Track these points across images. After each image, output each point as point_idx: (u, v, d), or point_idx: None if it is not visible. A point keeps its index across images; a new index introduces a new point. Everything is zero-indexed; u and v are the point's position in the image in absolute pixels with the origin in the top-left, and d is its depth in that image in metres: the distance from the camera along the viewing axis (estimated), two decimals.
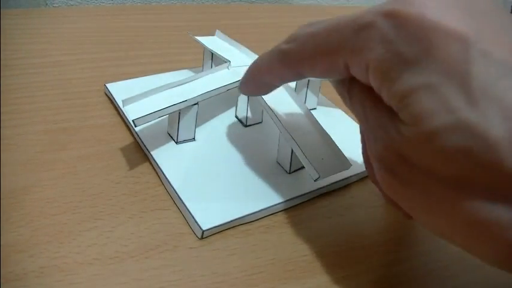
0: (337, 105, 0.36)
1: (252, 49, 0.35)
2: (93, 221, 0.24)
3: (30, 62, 0.38)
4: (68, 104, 0.33)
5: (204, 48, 0.36)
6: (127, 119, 0.30)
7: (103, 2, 0.58)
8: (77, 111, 0.32)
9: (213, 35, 0.38)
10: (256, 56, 0.34)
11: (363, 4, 0.73)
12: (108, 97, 0.34)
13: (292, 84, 0.34)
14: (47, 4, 0.55)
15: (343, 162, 0.26)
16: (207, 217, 0.24)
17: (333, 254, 0.24)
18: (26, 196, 0.25)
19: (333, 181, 0.28)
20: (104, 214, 0.24)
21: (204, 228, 0.23)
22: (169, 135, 0.30)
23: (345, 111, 0.35)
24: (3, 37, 0.40)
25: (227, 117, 0.33)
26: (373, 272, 0.24)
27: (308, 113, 0.28)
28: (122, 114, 0.32)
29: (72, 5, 0.56)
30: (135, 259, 0.22)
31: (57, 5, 0.55)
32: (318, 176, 0.24)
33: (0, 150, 0.28)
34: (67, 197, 0.25)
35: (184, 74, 0.37)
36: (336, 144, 0.26)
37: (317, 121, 0.28)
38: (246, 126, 0.32)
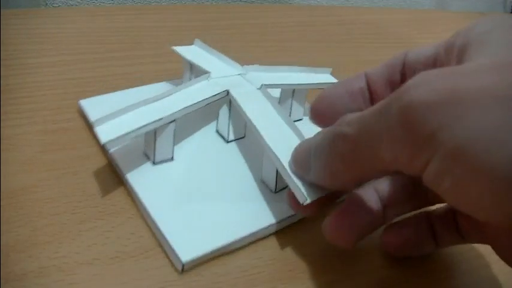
0: None
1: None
2: (93, 221, 0.24)
3: (29, 62, 0.38)
4: (68, 104, 0.33)
5: (182, 59, 0.34)
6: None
7: (103, 2, 0.58)
8: (77, 111, 0.32)
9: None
10: (236, 65, 0.32)
11: (362, 4, 0.73)
12: (80, 113, 0.31)
13: (277, 94, 0.32)
14: (47, 4, 0.55)
15: None
16: (187, 250, 0.22)
17: (333, 254, 0.24)
18: (26, 196, 0.25)
19: (318, 197, 0.24)
20: (104, 214, 0.24)
21: (184, 261, 0.21)
22: (146, 155, 0.28)
23: None
24: (3, 37, 0.40)
25: (207, 133, 0.31)
26: (373, 272, 0.24)
27: (294, 128, 0.26)
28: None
29: (72, 5, 0.56)
30: (135, 259, 0.22)
31: (57, 5, 0.55)
32: (305, 200, 0.22)
33: (0, 150, 0.28)
34: (67, 197, 0.25)
35: (162, 86, 0.35)
36: None
37: (303, 136, 0.26)
38: (228, 142, 0.30)
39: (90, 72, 0.37)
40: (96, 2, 0.57)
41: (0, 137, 0.29)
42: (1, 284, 0.20)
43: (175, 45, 0.34)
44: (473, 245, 0.26)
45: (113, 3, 0.58)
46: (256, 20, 0.54)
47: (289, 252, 0.24)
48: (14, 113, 0.31)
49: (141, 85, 0.36)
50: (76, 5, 0.56)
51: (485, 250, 0.26)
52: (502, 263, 0.25)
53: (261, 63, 0.41)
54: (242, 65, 0.32)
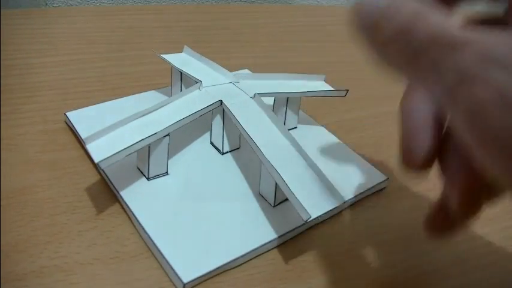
0: (318, 122, 0.34)
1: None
2: (93, 221, 0.24)
3: (30, 62, 0.38)
4: (68, 104, 0.33)
5: (171, 68, 0.33)
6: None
7: (103, 2, 0.58)
8: None
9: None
10: (227, 72, 0.31)
11: None
12: (68, 125, 0.31)
13: (270, 101, 0.32)
14: (46, 4, 0.55)
15: (334, 195, 0.24)
16: (187, 270, 0.21)
17: (333, 254, 0.24)
18: (26, 196, 0.25)
19: (322, 212, 0.24)
20: (104, 214, 0.24)
21: (185, 281, 0.21)
22: (139, 170, 0.27)
23: (326, 128, 0.33)
24: (3, 37, 0.40)
25: (201, 144, 0.30)
26: (373, 272, 0.24)
27: (290, 138, 0.26)
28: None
29: (72, 5, 0.56)
30: (135, 259, 0.22)
31: (57, 5, 0.55)
32: (309, 217, 0.22)
33: (0, 150, 0.28)
34: (67, 197, 0.25)
35: (151, 96, 0.34)
36: (323, 174, 0.24)
37: (300, 147, 0.25)
38: (223, 153, 0.29)
39: (90, 72, 0.37)
40: (96, 2, 0.57)
41: (0, 137, 0.29)
42: (1, 284, 0.20)
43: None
44: (473, 245, 0.26)
45: (112, 3, 0.58)
46: (256, 20, 0.54)
47: (289, 252, 0.24)
48: (14, 113, 0.31)
49: (141, 85, 0.36)
50: (76, 5, 0.56)
51: (485, 250, 0.26)
52: (502, 263, 0.25)
53: (261, 64, 0.41)
54: (238, 68, 0.32)
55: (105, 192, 0.26)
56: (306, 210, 0.22)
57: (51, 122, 0.31)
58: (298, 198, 0.22)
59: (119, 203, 0.25)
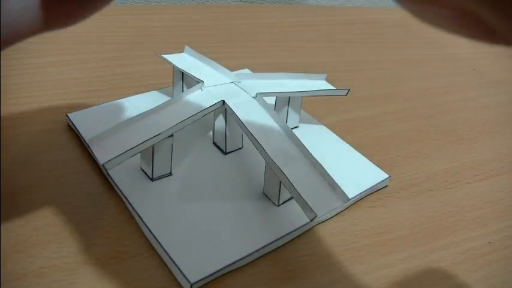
0: (319, 121, 0.34)
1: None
2: (93, 221, 0.24)
3: (30, 62, 0.38)
4: (68, 104, 0.33)
5: (173, 68, 0.33)
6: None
7: None
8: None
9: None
10: (228, 72, 0.31)
11: (362, 4, 0.73)
12: (70, 126, 0.31)
13: (271, 101, 0.31)
14: None
15: (339, 194, 0.24)
16: (194, 270, 0.22)
17: (333, 254, 0.24)
18: (26, 196, 0.25)
19: (328, 211, 0.25)
20: (104, 214, 0.24)
21: (192, 281, 0.21)
22: (143, 171, 0.27)
23: (327, 127, 0.33)
24: None
25: (204, 144, 0.30)
26: (373, 272, 0.24)
27: (294, 137, 0.26)
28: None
29: None
30: (136, 259, 0.22)
31: None
32: (314, 215, 0.22)
33: (1, 150, 0.28)
34: (67, 197, 0.25)
35: (153, 96, 0.34)
36: (327, 173, 0.24)
37: (304, 146, 0.25)
38: (225, 153, 0.29)
39: (91, 72, 0.38)
40: None
41: (1, 137, 0.29)
42: (1, 284, 0.20)
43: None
44: (472, 245, 0.26)
45: (112, 3, 0.58)
46: (256, 20, 0.54)
47: (289, 252, 0.24)
48: (14, 113, 0.31)
49: (141, 86, 0.36)
50: None
51: (485, 250, 0.26)
52: (502, 262, 0.25)
53: (261, 64, 0.41)
54: (238, 68, 0.32)
55: (106, 192, 0.26)
56: (311, 208, 0.22)
57: (51, 122, 0.31)
58: (303, 196, 0.22)
59: (120, 203, 0.25)
